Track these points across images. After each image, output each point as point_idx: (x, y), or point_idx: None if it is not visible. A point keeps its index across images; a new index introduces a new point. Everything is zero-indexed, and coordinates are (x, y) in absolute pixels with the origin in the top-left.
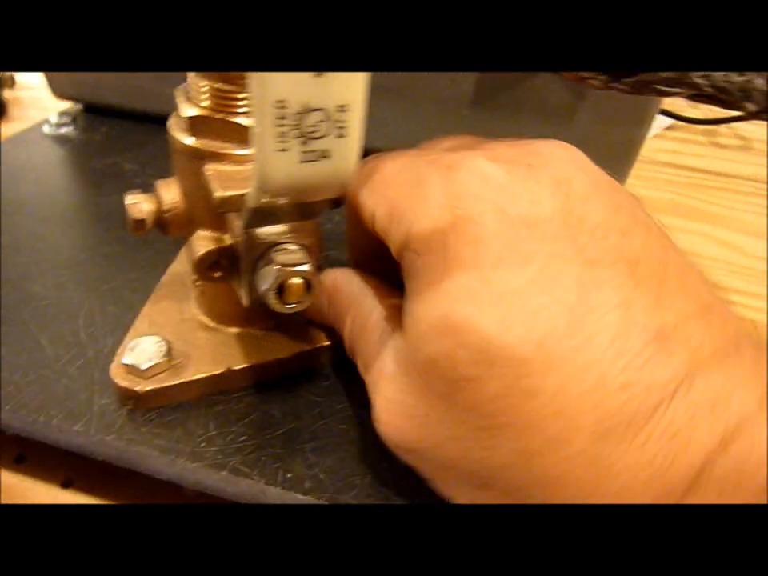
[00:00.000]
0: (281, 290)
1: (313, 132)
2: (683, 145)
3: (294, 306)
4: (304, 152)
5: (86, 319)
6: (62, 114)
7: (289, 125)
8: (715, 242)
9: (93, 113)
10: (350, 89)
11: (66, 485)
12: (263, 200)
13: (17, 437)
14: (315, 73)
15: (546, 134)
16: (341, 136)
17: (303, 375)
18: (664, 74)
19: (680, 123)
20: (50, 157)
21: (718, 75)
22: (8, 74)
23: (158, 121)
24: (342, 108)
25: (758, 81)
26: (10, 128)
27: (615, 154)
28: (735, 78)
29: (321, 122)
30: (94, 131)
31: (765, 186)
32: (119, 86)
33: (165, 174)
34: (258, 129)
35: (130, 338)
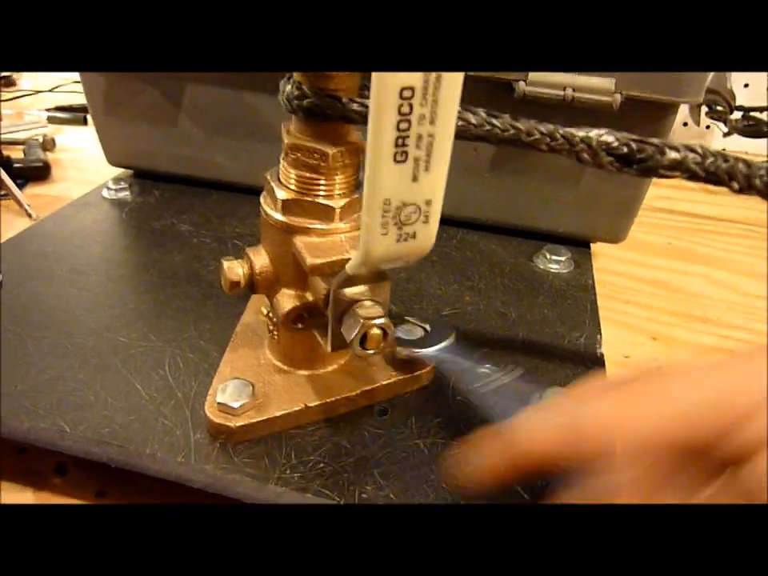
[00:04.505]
0: (363, 338)
1: (406, 220)
2: (676, 191)
3: (373, 351)
4: (399, 234)
5: (171, 366)
6: (117, 179)
7: (390, 216)
8: (713, 283)
9: (143, 178)
10: (435, 188)
11: None
12: (361, 270)
13: (97, 474)
14: (413, 178)
15: (556, 193)
16: (425, 222)
17: (365, 410)
18: (666, 161)
19: None
20: (112, 219)
21: (708, 161)
22: (49, 136)
23: (204, 185)
24: (428, 202)
25: (739, 165)
26: (53, 188)
27: (619, 210)
28: (722, 163)
29: (413, 213)
30: (147, 195)
31: (754, 228)
32: (169, 154)
33: (217, 233)
34: (367, 219)
35: (218, 382)
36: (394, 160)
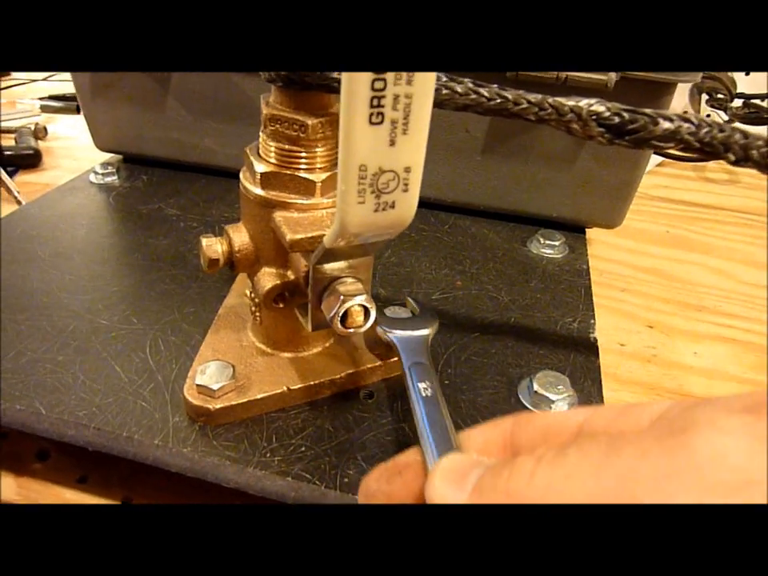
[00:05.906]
0: (344, 316)
1: (384, 188)
2: (675, 180)
3: (354, 329)
4: (377, 203)
5: (152, 348)
6: (105, 164)
7: (367, 183)
8: (709, 271)
9: (132, 163)
10: (413, 154)
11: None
12: (338, 243)
13: (79, 460)
14: (390, 142)
15: (550, 177)
16: (405, 190)
17: (351, 393)
18: (659, 132)
19: (670, 160)
20: (98, 203)
21: (704, 131)
22: (41, 125)
23: (192, 169)
24: (407, 169)
25: (736, 136)
26: (44, 176)
27: (615, 194)
28: (717, 133)
29: (391, 180)
30: (135, 179)
31: (752, 216)
32: (158, 139)
33: (205, 217)
34: (343, 186)
35: (199, 363)
36: (369, 122)
